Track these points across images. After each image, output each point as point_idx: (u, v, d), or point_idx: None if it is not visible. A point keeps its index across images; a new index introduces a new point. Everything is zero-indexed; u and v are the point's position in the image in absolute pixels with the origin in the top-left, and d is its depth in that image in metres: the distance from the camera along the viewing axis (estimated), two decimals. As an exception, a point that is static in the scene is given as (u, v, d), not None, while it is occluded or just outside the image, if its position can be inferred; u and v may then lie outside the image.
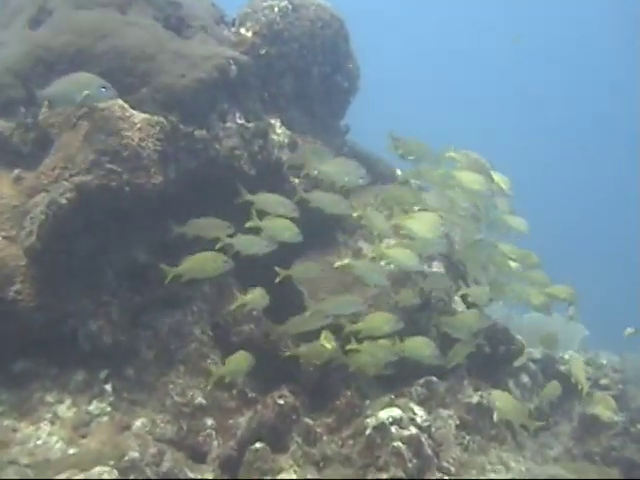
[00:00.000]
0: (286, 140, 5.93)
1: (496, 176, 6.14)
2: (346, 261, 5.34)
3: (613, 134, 35.89)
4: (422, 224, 5.44)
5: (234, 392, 5.18)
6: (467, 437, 5.20)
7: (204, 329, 5.34)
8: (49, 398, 4.93)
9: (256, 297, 5.06)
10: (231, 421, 5.04)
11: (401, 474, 4.21)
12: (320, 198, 5.36)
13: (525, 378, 6.45)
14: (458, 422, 5.23)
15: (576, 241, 26.42)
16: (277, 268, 5.04)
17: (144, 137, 4.97)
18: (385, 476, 4.17)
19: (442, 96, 34.18)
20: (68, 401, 4.94)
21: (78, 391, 4.95)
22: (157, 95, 5.25)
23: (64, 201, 4.79)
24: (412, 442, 4.43)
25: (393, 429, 4.49)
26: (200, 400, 5.01)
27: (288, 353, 5.13)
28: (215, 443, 4.91)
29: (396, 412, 4.59)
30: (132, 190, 4.86)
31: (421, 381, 5.46)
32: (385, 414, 4.58)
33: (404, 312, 5.52)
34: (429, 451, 4.50)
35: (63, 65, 5.30)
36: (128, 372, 5.07)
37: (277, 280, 5.00)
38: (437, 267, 6.07)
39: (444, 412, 5.29)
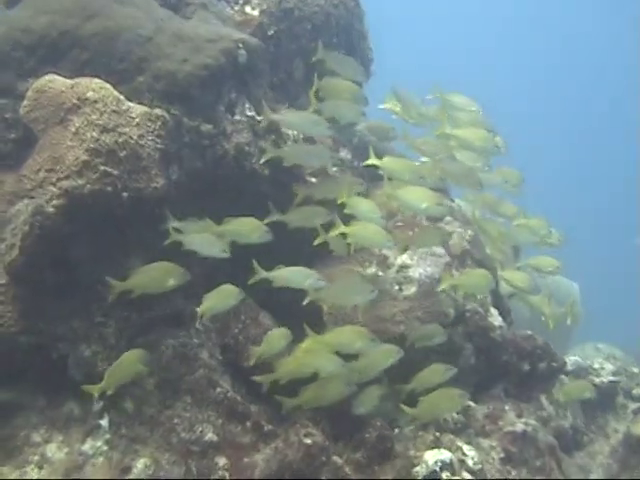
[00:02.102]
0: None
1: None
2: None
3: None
4: (415, 192, 4.84)
5: (248, 424, 4.53)
6: (513, 472, 4.60)
7: (212, 352, 4.68)
8: (36, 436, 4.29)
9: (274, 341, 4.46)
10: (246, 460, 4.37)
11: (458, 530, 3.64)
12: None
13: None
14: (503, 455, 4.62)
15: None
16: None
17: (143, 134, 4.31)
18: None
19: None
20: (58, 439, 4.31)
21: (69, 427, 4.32)
22: (156, 84, 4.56)
23: (51, 209, 4.13)
24: (468, 492, 3.84)
25: (444, 477, 3.88)
26: (210, 436, 4.35)
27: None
28: (229, 487, 4.27)
29: (445, 455, 3.99)
30: (130, 196, 4.20)
31: (457, 406, 4.85)
32: (432, 458, 3.98)
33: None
34: (484, 500, 3.91)
35: (45, 49, 4.60)
36: (126, 404, 4.39)
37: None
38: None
39: (485, 442, 4.69)
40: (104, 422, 4.33)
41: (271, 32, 5.67)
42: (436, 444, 4.35)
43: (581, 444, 5.97)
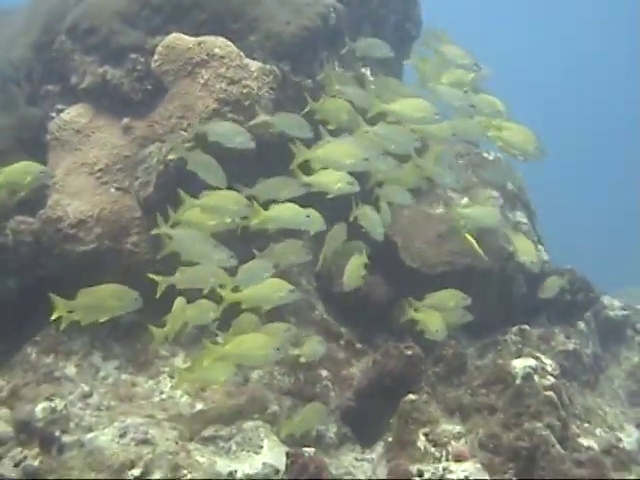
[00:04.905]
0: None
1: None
2: None
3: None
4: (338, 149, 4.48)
5: (342, 342, 5.17)
6: (567, 384, 5.30)
7: (309, 279, 5.31)
8: (163, 351, 4.88)
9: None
10: (344, 372, 5.02)
11: (555, 422, 4.30)
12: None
13: (582, 325, 6.54)
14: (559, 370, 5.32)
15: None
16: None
17: (261, 86, 4.89)
18: (539, 424, 4.25)
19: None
20: (181, 354, 4.90)
21: (189, 344, 4.90)
22: (266, 42, 5.12)
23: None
24: (555, 390, 4.51)
25: (536, 378, 4.55)
26: (314, 351, 4.96)
27: None
28: (333, 394, 4.90)
29: (532, 361, 4.64)
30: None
31: (514, 329, 5.54)
32: (521, 364, 4.63)
33: (496, 260, 5.57)
34: (567, 399, 4.62)
35: (170, 8, 5.14)
36: (239, 323, 5.00)
37: None
38: (520, 217, 6.12)
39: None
40: (219, 339, 4.88)
41: (346, -2, 6.19)
42: (519, 355, 5.04)
43: (600, 368, 6.68)
